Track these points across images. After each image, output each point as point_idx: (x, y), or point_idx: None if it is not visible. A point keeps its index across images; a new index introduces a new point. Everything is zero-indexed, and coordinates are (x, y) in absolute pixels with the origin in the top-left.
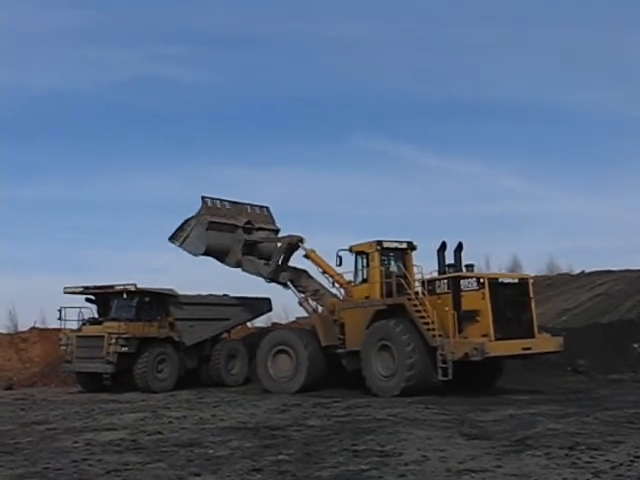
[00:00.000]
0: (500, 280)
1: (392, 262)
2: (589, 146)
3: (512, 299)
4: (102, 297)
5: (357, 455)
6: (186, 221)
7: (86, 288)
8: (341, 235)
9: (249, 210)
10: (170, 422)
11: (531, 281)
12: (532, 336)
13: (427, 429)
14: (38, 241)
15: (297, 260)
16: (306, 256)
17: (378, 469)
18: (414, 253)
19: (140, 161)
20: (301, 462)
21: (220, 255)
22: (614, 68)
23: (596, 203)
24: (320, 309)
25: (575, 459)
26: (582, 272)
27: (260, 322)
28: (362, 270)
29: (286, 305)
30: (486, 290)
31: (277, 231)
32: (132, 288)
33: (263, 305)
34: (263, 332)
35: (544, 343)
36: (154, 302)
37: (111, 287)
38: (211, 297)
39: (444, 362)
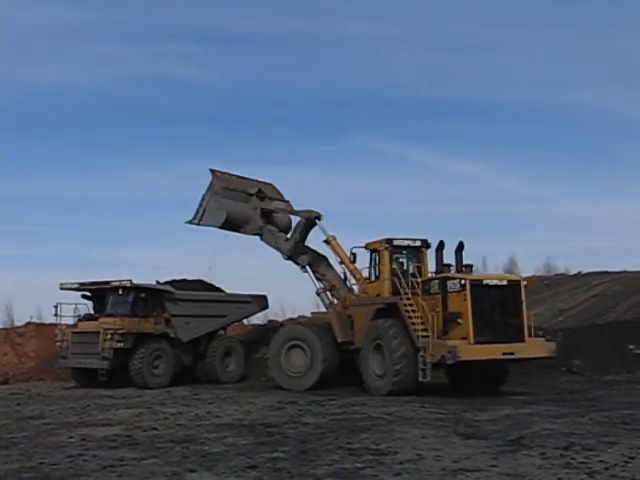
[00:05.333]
0: (485, 282)
1: (406, 260)
2: (588, 147)
3: (499, 302)
4: (98, 293)
5: (352, 453)
6: (202, 199)
7: (82, 284)
8: (340, 234)
9: (256, 183)
10: (166, 418)
11: (523, 283)
12: (521, 340)
13: (422, 428)
14: (35, 236)
15: (318, 246)
16: (326, 241)
17: (373, 467)
18: (429, 251)
19: (143, 158)
20: (296, 459)
21: (239, 224)
22: (615, 69)
23: (594, 204)
24: (336, 303)
25: (570, 459)
26: (579, 273)
27: (257, 319)
28: (375, 267)
29: (283, 302)
30: (467, 292)
31: (288, 203)
32: (128, 284)
33: (259, 302)
34: (259, 329)
35: (533, 348)
36: (150, 298)
37: (107, 283)
38: (207, 294)
39: (424, 364)
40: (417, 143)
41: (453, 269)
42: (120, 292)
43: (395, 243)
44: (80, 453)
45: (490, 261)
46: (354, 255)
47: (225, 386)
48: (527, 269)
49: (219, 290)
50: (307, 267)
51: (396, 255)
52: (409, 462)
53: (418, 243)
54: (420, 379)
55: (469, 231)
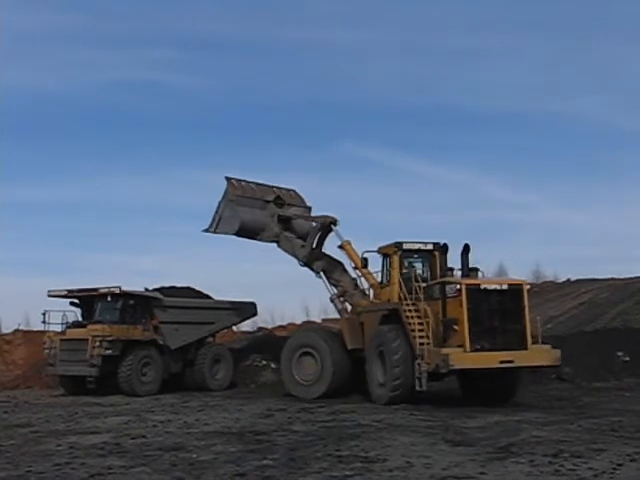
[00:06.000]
0: (483, 286)
1: (421, 264)
2: (576, 156)
3: (499, 307)
4: (86, 300)
5: (341, 461)
6: (217, 207)
7: (70, 291)
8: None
9: (277, 191)
10: (154, 426)
11: (526, 287)
12: (523, 347)
13: (412, 435)
14: (23, 243)
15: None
16: (340, 247)
17: (362, 475)
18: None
19: (128, 164)
20: (285, 467)
21: (255, 231)
22: (602, 79)
23: (582, 212)
24: (349, 309)
25: (558, 466)
26: (567, 280)
27: (246, 326)
28: (386, 272)
29: (272, 309)
30: (463, 297)
31: (309, 209)
32: (116, 291)
33: (248, 309)
34: (248, 336)
35: (536, 356)
36: (139, 305)
37: (95, 290)
38: (196, 301)
39: (420, 372)
40: (404, 150)
41: (458, 273)
42: (109, 299)
43: (405, 247)
44: (68, 461)
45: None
46: (366, 260)
47: (214, 393)
48: (516, 276)
49: (208, 297)
50: (322, 273)
51: (410, 259)
52: (398, 470)
53: (430, 246)
54: (417, 388)
55: (457, 238)
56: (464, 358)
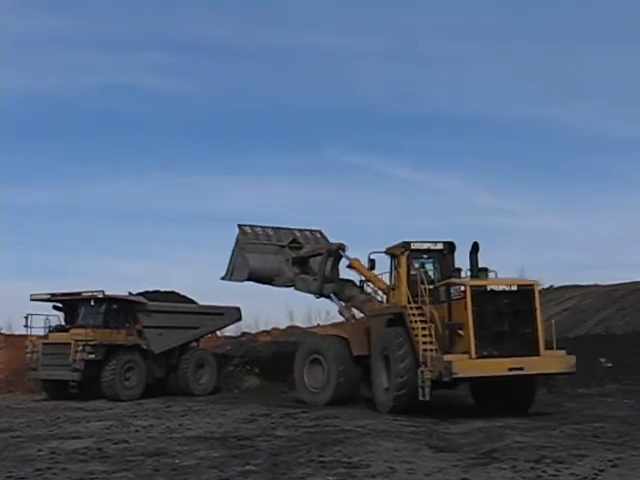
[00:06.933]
0: (490, 288)
1: (430, 266)
2: (560, 162)
3: (508, 310)
4: (69, 304)
5: (324, 466)
6: (232, 254)
7: (53, 295)
8: None
9: (297, 234)
10: (137, 431)
11: (538, 288)
12: (535, 353)
13: (395, 441)
14: (5, 246)
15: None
16: (349, 266)
17: None
18: (455, 254)
19: (116, 168)
20: (268, 473)
21: (268, 277)
22: (589, 85)
23: (566, 218)
24: (359, 317)
25: (540, 472)
26: (551, 286)
27: (230, 331)
28: (394, 274)
29: (256, 314)
30: (467, 299)
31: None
32: (100, 295)
33: (232, 314)
34: (232, 341)
35: (548, 363)
36: (122, 309)
37: (78, 294)
38: (180, 305)
39: (423, 380)
40: (390, 156)
41: (468, 273)
42: (92, 303)
43: (414, 247)
44: (49, 466)
45: (463, 274)
46: (373, 261)
47: (197, 398)
48: None
49: (192, 302)
50: (332, 295)
51: (421, 260)
52: (381, 475)
53: (440, 246)
54: (420, 398)
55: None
56: (469, 365)
